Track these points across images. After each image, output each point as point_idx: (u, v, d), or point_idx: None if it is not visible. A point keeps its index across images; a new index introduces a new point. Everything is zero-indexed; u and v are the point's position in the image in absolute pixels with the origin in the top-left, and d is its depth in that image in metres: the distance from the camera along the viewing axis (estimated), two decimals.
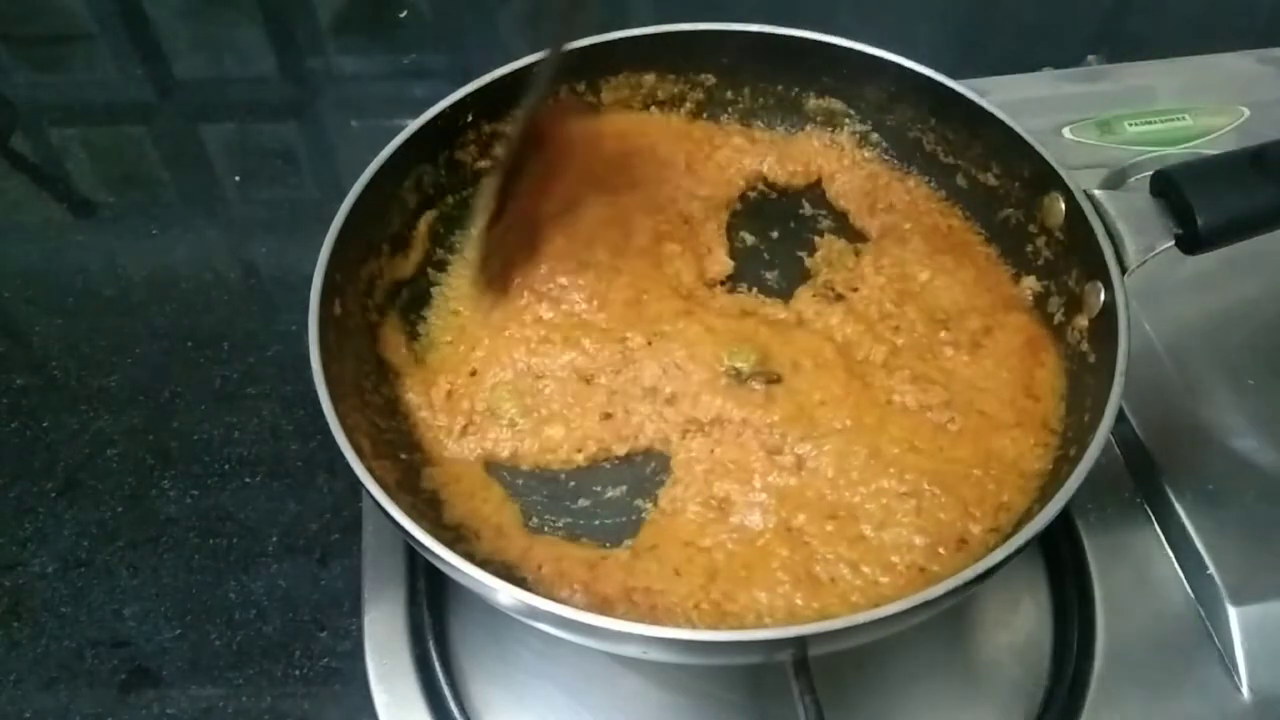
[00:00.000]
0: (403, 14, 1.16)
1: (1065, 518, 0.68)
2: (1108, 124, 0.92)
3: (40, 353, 0.86)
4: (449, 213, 0.75)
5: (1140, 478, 0.72)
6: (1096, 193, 0.63)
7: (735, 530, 0.60)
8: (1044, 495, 0.59)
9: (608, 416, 0.66)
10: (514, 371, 0.68)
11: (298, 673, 0.68)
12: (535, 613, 0.49)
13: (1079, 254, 0.64)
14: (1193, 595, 0.67)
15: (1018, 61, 0.98)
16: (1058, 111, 0.92)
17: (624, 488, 0.65)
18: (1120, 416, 0.54)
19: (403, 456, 0.64)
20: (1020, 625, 0.67)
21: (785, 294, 0.72)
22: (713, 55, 0.78)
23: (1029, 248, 0.69)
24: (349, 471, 0.53)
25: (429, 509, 0.63)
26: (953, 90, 0.71)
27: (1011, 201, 0.71)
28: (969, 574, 0.49)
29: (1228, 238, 0.60)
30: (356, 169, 0.66)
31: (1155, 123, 0.92)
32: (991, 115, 0.69)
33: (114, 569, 0.73)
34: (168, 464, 0.78)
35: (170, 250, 0.93)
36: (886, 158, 0.78)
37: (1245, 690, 0.64)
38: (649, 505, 0.63)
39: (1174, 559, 0.68)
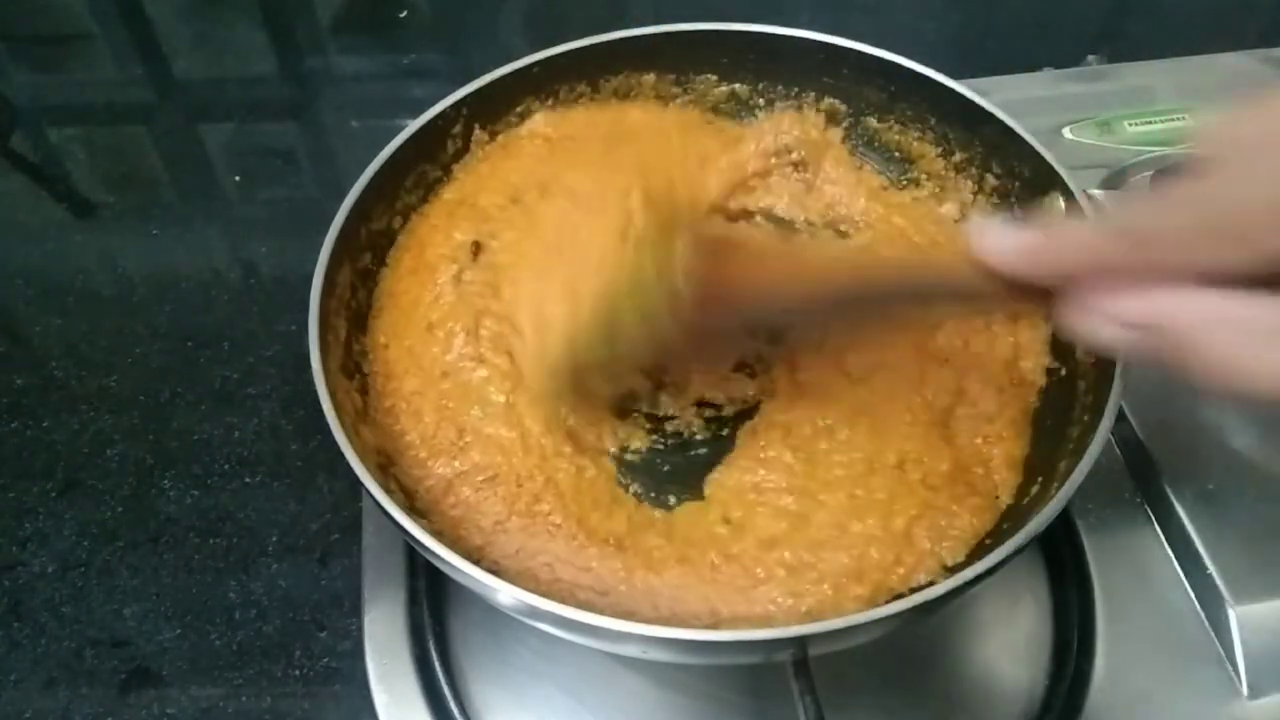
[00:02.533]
0: (403, 14, 1.16)
1: (1065, 518, 0.68)
2: (1108, 124, 0.92)
3: (40, 353, 0.86)
4: None
5: (1140, 478, 0.71)
6: (1096, 193, 0.63)
7: None
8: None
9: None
10: None
11: (298, 673, 0.68)
12: (535, 613, 0.49)
13: None
14: (1193, 595, 0.67)
15: (1018, 61, 0.98)
16: (1058, 111, 0.92)
17: None
18: (1120, 416, 0.54)
19: None
20: (1020, 625, 0.67)
21: None
22: (713, 55, 0.78)
23: None
24: (349, 471, 0.53)
25: None
26: (953, 90, 0.71)
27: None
28: (969, 574, 0.49)
29: None
30: (356, 169, 0.66)
31: (1155, 123, 0.92)
32: (991, 115, 0.69)
33: (114, 569, 0.73)
34: (168, 464, 0.78)
35: (170, 250, 0.93)
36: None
37: (1245, 690, 0.64)
38: None
39: (1174, 559, 0.68)
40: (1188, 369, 0.37)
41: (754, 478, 0.61)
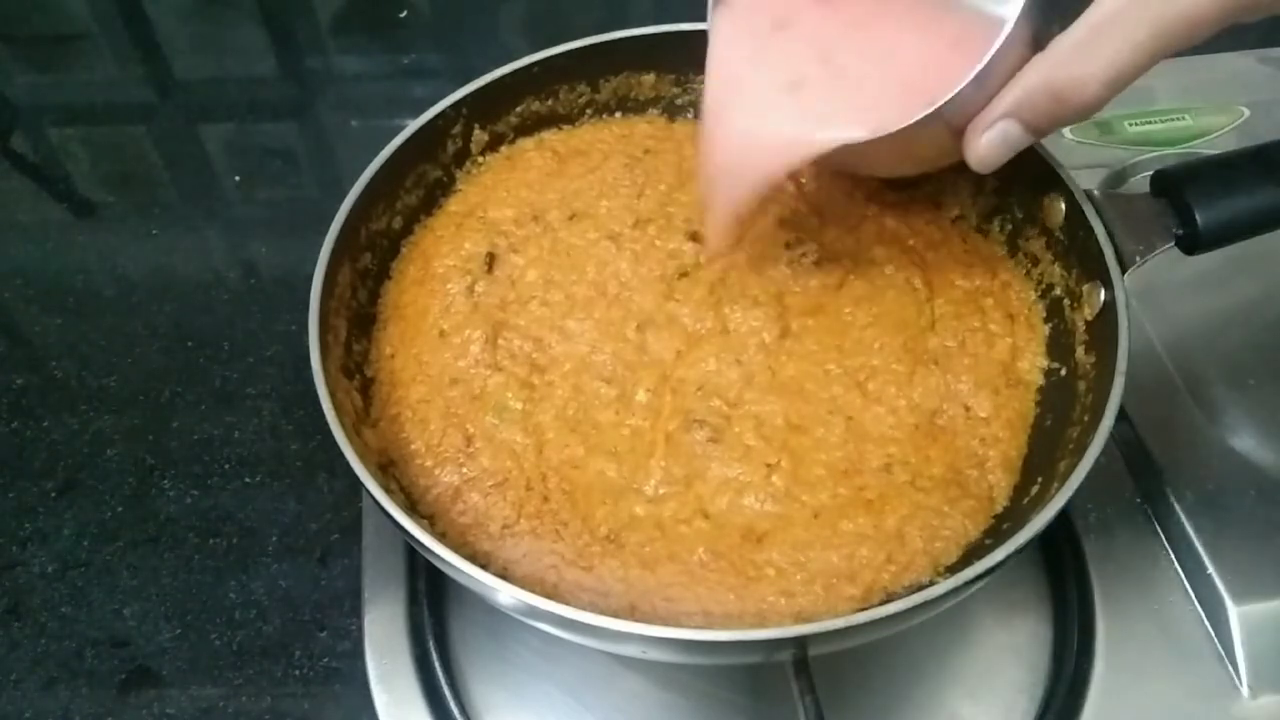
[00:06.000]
0: (403, 14, 1.17)
1: (1065, 518, 0.68)
2: (1108, 124, 0.92)
3: (40, 353, 0.86)
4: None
5: (1140, 478, 0.72)
6: (1096, 193, 0.63)
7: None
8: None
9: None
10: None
11: (298, 673, 0.68)
12: (535, 613, 0.49)
13: (1079, 254, 0.64)
14: (1193, 595, 0.67)
15: None
16: None
17: None
18: (1120, 416, 0.54)
19: None
20: (1020, 625, 0.67)
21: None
22: None
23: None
24: (349, 471, 0.53)
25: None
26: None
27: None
28: (970, 573, 0.49)
29: (1228, 238, 0.60)
30: (356, 169, 0.66)
31: (1155, 123, 0.92)
32: None
33: (114, 569, 0.73)
34: (168, 464, 0.78)
35: (170, 250, 0.93)
36: None
37: (1245, 690, 0.64)
38: None
39: (1174, 559, 0.68)
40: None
41: (729, 471, 0.60)
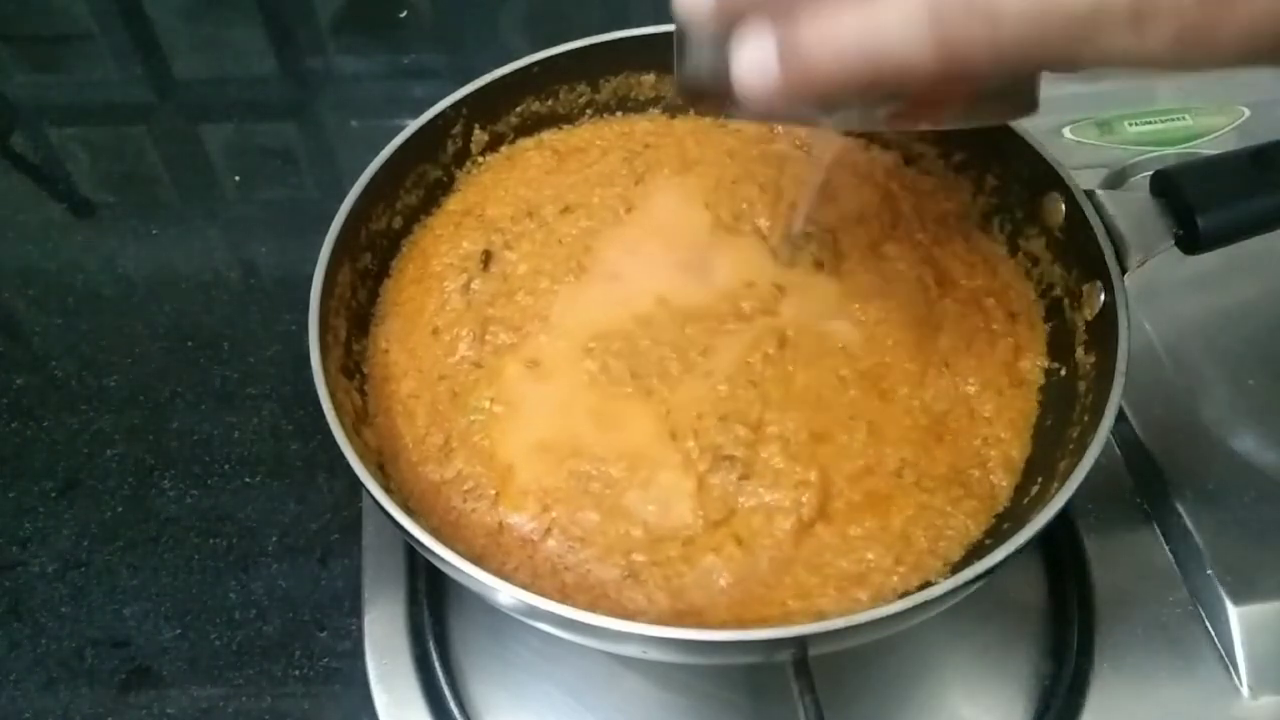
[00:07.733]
0: (403, 14, 1.17)
1: (1065, 518, 0.68)
2: (1108, 124, 0.92)
3: (40, 353, 0.86)
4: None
5: (1140, 477, 0.72)
6: (1096, 193, 0.63)
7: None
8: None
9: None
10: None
11: (298, 673, 0.68)
12: (535, 612, 0.49)
13: (1079, 254, 0.64)
14: (1193, 595, 0.67)
15: None
16: (1058, 111, 0.92)
17: None
18: (1120, 416, 0.55)
19: None
20: (1020, 625, 0.67)
21: None
22: None
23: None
24: (349, 471, 0.53)
25: None
26: None
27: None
28: (969, 574, 0.49)
29: (1228, 238, 0.61)
30: (356, 169, 0.66)
31: (1155, 123, 0.92)
32: None
33: (114, 569, 0.73)
34: (168, 464, 0.78)
35: (170, 250, 0.93)
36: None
37: (1245, 690, 0.64)
38: None
39: (1174, 559, 0.68)
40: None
41: (763, 499, 0.59)
